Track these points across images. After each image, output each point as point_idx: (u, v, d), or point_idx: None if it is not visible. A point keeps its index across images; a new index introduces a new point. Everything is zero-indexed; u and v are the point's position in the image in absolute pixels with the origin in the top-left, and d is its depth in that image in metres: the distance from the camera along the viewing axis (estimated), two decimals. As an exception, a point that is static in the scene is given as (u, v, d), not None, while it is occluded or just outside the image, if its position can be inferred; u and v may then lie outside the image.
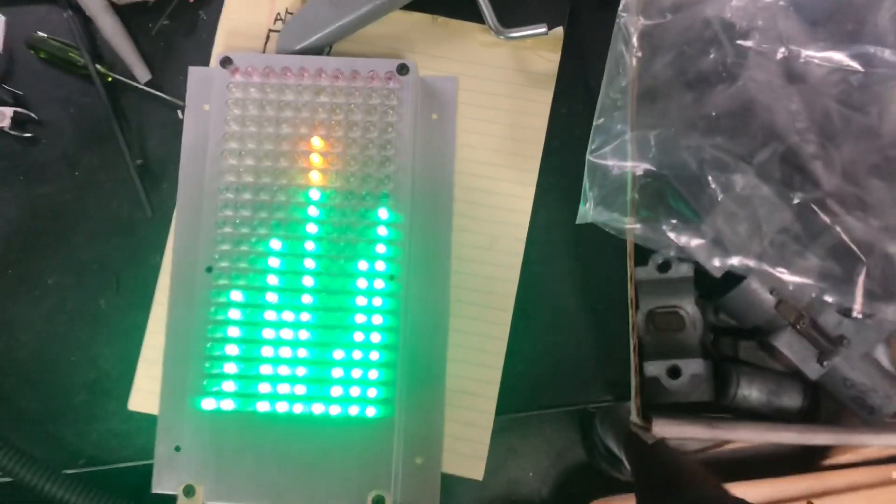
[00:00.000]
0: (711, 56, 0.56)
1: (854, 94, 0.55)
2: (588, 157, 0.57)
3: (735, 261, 0.56)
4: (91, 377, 0.75)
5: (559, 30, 0.75)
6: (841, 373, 0.63)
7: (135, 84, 0.78)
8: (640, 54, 0.57)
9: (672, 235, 0.57)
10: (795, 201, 0.54)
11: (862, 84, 0.56)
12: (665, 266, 0.65)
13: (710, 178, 0.54)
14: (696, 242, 0.57)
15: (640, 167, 0.56)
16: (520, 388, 0.74)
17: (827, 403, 0.68)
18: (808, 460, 1.52)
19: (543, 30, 0.72)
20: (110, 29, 0.77)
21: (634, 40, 0.57)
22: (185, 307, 0.72)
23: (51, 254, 0.76)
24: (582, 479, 1.57)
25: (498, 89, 0.77)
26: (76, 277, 0.76)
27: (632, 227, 0.57)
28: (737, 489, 0.91)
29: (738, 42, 0.55)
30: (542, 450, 1.60)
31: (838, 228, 0.54)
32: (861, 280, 0.54)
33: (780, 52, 0.56)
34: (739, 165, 0.55)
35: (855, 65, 0.57)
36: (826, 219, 0.54)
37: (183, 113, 0.76)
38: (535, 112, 0.76)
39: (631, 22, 0.57)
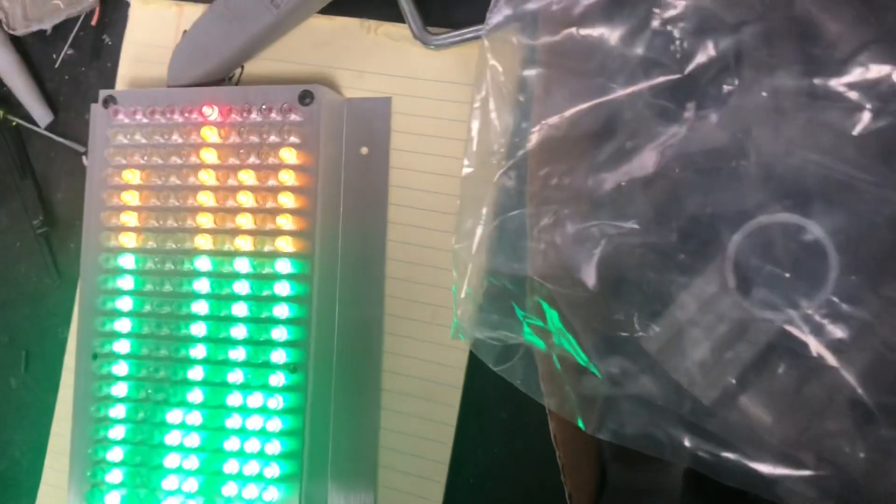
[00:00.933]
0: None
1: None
2: (454, 247, 0.39)
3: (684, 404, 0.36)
4: (1, 467, 0.66)
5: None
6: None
7: (36, 128, 0.67)
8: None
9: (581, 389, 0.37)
10: (753, 318, 0.33)
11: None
12: (625, 380, 0.45)
13: (623, 286, 0.34)
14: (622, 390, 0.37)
15: (527, 267, 0.37)
16: (469, 507, 0.57)
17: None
18: None
19: (483, 29, 0.53)
20: (4, 64, 0.66)
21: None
22: (77, 398, 0.61)
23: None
24: None
25: (440, 111, 0.58)
26: (-16, 351, 0.67)
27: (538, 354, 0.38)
28: None
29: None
30: None
31: (832, 366, 0.32)
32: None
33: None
34: (666, 267, 0.34)
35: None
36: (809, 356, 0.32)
37: (88, 158, 0.64)
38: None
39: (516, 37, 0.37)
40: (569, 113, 0.36)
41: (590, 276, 0.35)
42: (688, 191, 0.34)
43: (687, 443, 0.39)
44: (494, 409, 0.57)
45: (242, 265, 0.56)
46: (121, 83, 0.65)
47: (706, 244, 0.34)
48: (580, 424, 0.37)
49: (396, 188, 0.58)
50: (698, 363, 0.35)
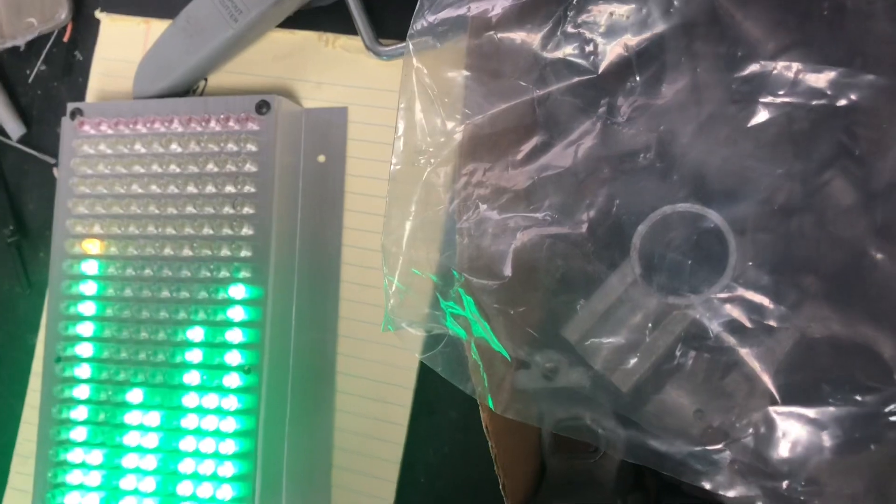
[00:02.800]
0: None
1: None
2: (383, 241, 0.40)
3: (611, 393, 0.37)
4: (-31, 472, 0.67)
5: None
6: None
7: (8, 141, 0.69)
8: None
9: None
10: (660, 307, 0.34)
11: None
12: (553, 371, 0.46)
13: (539, 276, 0.36)
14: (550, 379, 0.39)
15: (451, 261, 0.39)
16: (421, 506, 0.58)
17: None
18: None
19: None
20: (-22, 81, 0.68)
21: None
22: (43, 401, 0.62)
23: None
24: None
25: (393, 119, 0.60)
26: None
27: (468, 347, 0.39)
28: None
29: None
30: None
31: (741, 351, 0.34)
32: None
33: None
34: (578, 256, 0.36)
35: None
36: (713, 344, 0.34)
37: (58, 170, 0.66)
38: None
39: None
40: (490, 112, 0.38)
41: (505, 267, 0.37)
42: (597, 185, 0.36)
43: (604, 428, 0.40)
44: (445, 409, 0.58)
45: (200, 270, 0.58)
46: (91, 97, 0.67)
47: (614, 235, 0.36)
48: (490, 404, 0.38)
49: (352, 195, 0.60)
50: (614, 351, 0.36)
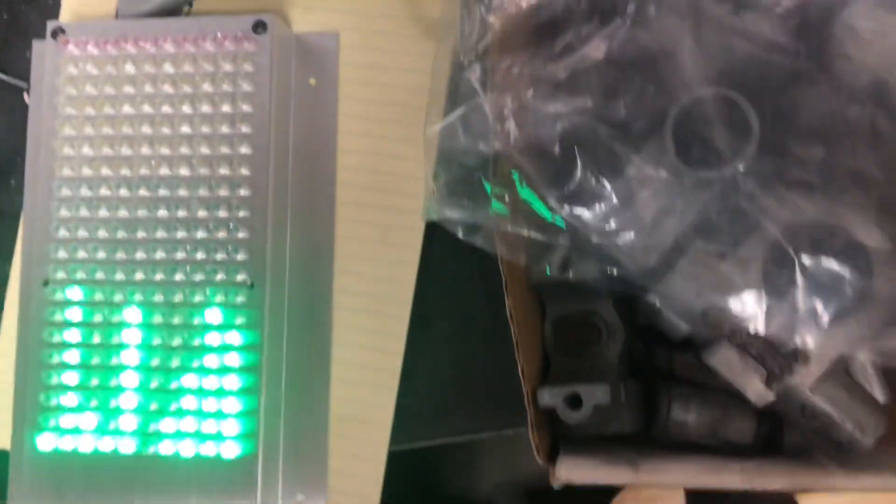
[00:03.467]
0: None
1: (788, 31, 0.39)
2: (426, 132, 0.43)
3: (629, 271, 0.41)
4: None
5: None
6: (797, 398, 0.48)
7: (-26, 65, 0.67)
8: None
9: (549, 236, 0.42)
10: (694, 182, 0.39)
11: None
12: (564, 266, 0.50)
13: (578, 157, 0.39)
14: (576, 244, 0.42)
15: (496, 145, 0.42)
16: (420, 412, 0.61)
17: (791, 433, 0.52)
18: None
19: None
20: (-60, 3, 0.66)
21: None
22: (25, 326, 0.61)
23: None
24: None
25: (387, 44, 0.62)
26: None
27: (496, 228, 0.42)
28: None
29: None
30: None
31: (760, 217, 0.38)
32: (798, 292, 0.38)
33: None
34: (616, 139, 0.39)
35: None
36: (743, 206, 0.38)
37: (30, 95, 0.65)
38: (429, 69, 0.61)
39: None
40: (526, 5, 0.41)
41: (553, 147, 0.40)
42: (633, 73, 0.40)
43: (606, 321, 0.44)
44: (440, 321, 0.61)
45: (198, 188, 0.58)
46: (66, 17, 0.66)
47: (650, 118, 0.39)
48: (547, 271, 0.42)
49: (346, 116, 0.62)
50: (643, 226, 0.40)
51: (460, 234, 0.43)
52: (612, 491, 0.81)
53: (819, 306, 0.40)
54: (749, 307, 0.40)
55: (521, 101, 0.40)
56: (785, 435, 0.52)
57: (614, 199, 0.40)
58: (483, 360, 0.60)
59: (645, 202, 0.40)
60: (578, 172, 0.40)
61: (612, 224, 0.40)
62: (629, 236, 0.41)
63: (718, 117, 0.38)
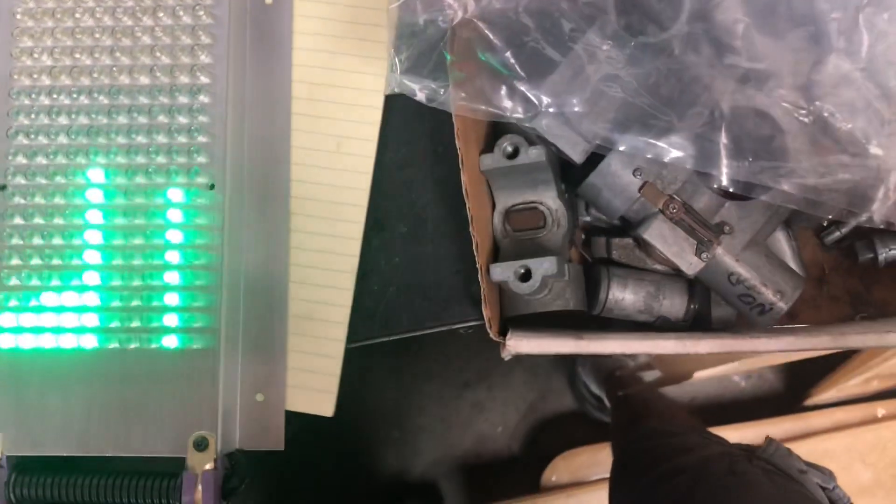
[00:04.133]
0: None
1: None
2: (389, 7, 0.46)
3: (578, 140, 0.45)
4: None
5: None
6: (725, 267, 0.53)
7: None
8: None
9: (502, 105, 0.46)
10: (633, 45, 0.43)
11: None
12: (514, 153, 0.54)
13: (531, 27, 0.43)
14: (532, 112, 0.46)
15: (455, 17, 0.45)
16: (375, 310, 0.64)
17: (719, 308, 0.58)
18: (789, 401, 1.43)
19: None
20: None
21: None
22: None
23: None
24: (553, 432, 1.48)
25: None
26: None
27: (455, 96, 0.46)
28: (715, 433, 0.82)
29: None
30: (511, 403, 1.51)
31: (692, 75, 0.43)
32: (721, 139, 0.43)
33: None
34: (567, 9, 0.44)
35: None
36: (677, 66, 0.43)
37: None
38: None
39: None
40: None
41: (511, 13, 0.44)
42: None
43: (549, 208, 0.48)
44: (394, 224, 0.64)
45: (158, 96, 0.61)
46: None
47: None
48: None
49: (302, 35, 0.65)
50: (591, 94, 0.45)
51: (423, 100, 0.46)
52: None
53: (736, 149, 0.44)
54: (675, 151, 0.44)
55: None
56: (712, 311, 0.57)
57: (567, 71, 0.44)
58: (434, 260, 0.63)
59: (592, 72, 0.44)
60: (534, 43, 0.44)
61: (564, 94, 0.45)
62: (578, 104, 0.45)
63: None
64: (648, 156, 0.45)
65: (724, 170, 0.43)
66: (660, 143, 0.44)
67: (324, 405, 0.62)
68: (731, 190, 0.45)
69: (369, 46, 0.65)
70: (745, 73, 0.44)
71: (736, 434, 1.28)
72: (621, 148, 0.46)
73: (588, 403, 1.38)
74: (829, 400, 1.40)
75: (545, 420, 1.51)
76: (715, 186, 0.50)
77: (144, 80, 0.61)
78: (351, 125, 0.64)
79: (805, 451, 1.29)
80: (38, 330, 0.59)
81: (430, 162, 0.65)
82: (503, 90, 0.45)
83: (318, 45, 0.65)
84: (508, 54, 0.44)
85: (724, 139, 0.43)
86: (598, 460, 1.39)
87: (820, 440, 1.36)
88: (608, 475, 1.31)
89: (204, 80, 0.61)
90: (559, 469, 1.41)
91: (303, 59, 0.65)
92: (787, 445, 1.26)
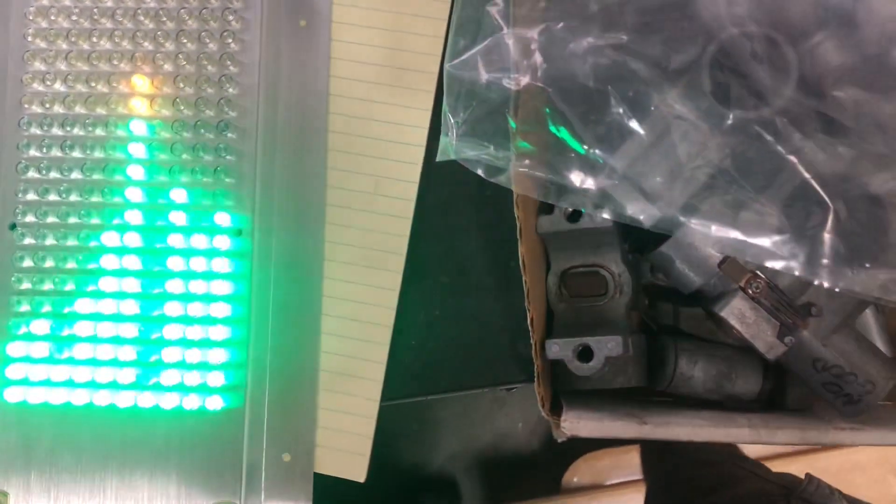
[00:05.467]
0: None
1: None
2: (447, 66, 0.41)
3: (654, 212, 0.39)
4: None
5: None
6: (809, 351, 0.47)
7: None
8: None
9: (571, 179, 0.40)
10: (729, 122, 0.37)
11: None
12: (576, 215, 0.49)
13: (610, 94, 0.38)
14: (604, 185, 0.40)
15: (522, 80, 0.39)
16: (412, 367, 0.59)
17: (795, 388, 0.52)
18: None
19: None
20: None
21: None
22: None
23: None
24: (575, 430, 1.44)
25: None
26: None
27: (516, 166, 0.40)
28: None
29: None
30: (532, 399, 1.47)
31: (794, 160, 0.37)
32: (827, 236, 0.38)
33: None
34: (653, 75, 0.38)
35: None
36: (779, 148, 0.37)
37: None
38: (432, 13, 0.59)
39: None
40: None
41: (586, 80, 0.38)
42: (670, 8, 0.38)
43: (613, 273, 0.43)
44: (436, 273, 0.59)
45: (183, 131, 0.55)
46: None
47: (685, 56, 0.38)
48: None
49: (338, 60, 0.59)
50: (673, 166, 0.39)
51: (482, 173, 0.41)
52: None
53: (842, 250, 0.39)
54: (772, 250, 0.39)
55: (550, 34, 0.38)
56: (788, 391, 0.51)
57: (645, 138, 0.38)
58: (476, 315, 0.58)
59: (676, 142, 0.38)
60: (611, 109, 0.38)
61: (641, 164, 0.39)
62: (657, 177, 0.39)
63: (755, 56, 0.37)
64: (748, 259, 0.39)
65: (834, 279, 0.38)
66: (758, 244, 0.38)
67: (355, 469, 0.57)
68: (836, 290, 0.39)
69: (413, 77, 0.59)
70: (859, 156, 0.38)
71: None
72: (709, 248, 0.40)
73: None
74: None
75: (568, 418, 1.46)
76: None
77: (166, 112, 0.56)
78: (390, 164, 0.59)
79: (835, 463, 1.25)
80: (48, 384, 0.55)
81: (477, 206, 0.59)
82: (574, 163, 0.39)
83: (357, 74, 0.59)
84: (585, 129, 0.38)
85: (833, 239, 0.37)
86: (621, 464, 1.35)
87: (851, 452, 1.31)
88: (630, 479, 1.28)
89: (231, 113, 0.56)
90: (581, 471, 1.37)
91: (340, 88, 0.59)
92: (817, 455, 1.22)
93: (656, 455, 1.05)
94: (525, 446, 1.47)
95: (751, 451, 1.03)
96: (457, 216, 0.59)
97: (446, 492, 1.42)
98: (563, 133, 0.38)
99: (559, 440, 0.49)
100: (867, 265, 0.39)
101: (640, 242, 0.51)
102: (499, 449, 1.46)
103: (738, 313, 0.47)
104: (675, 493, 0.83)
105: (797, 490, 0.58)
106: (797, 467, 0.73)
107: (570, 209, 0.48)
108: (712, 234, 0.41)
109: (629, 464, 1.30)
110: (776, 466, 0.74)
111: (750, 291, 0.46)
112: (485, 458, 1.45)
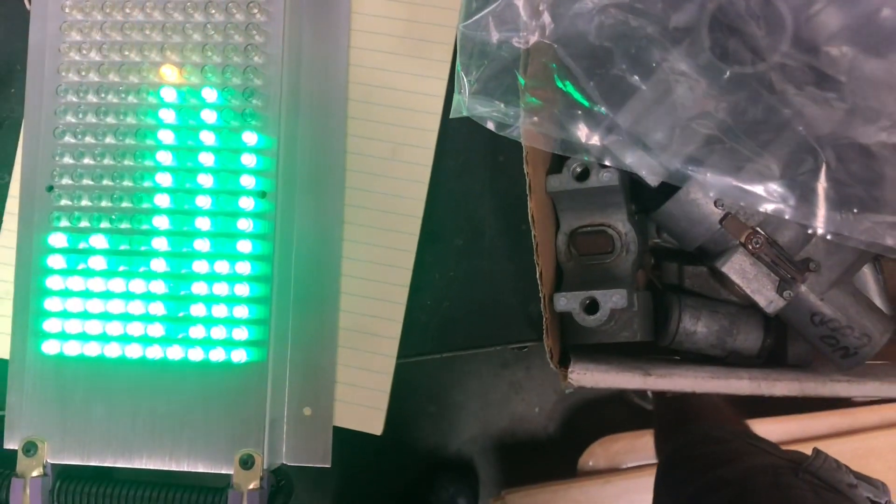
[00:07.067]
0: None
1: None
2: (460, 26, 0.43)
3: (659, 165, 0.41)
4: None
5: None
6: (808, 306, 0.49)
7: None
8: None
9: (577, 133, 0.42)
10: (727, 76, 0.39)
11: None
12: (584, 174, 0.51)
13: (614, 52, 0.40)
14: (609, 140, 0.43)
15: (531, 38, 0.42)
16: (428, 325, 0.61)
17: (795, 345, 0.54)
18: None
19: None
20: None
21: None
22: (27, 234, 0.60)
23: None
24: (590, 414, 1.46)
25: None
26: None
27: (525, 122, 0.43)
28: (759, 426, 0.79)
29: None
30: (549, 384, 1.49)
31: (788, 112, 0.39)
32: (821, 186, 0.39)
33: None
34: (653, 33, 0.40)
35: None
36: (774, 101, 0.39)
37: (31, 1, 0.63)
38: None
39: None
40: None
41: (593, 38, 0.40)
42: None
43: (619, 232, 0.45)
44: (450, 236, 0.61)
45: (206, 98, 0.58)
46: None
47: (686, 14, 0.40)
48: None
49: (358, 32, 0.62)
50: (675, 123, 0.41)
51: (493, 128, 0.43)
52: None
53: (832, 196, 0.41)
54: (766, 196, 0.41)
55: (560, -7, 0.40)
56: (788, 348, 0.53)
57: (649, 95, 0.40)
58: (490, 276, 0.61)
59: (678, 98, 0.40)
60: (616, 66, 0.40)
61: (645, 120, 0.41)
62: (660, 132, 0.41)
63: (751, 13, 0.39)
64: (742, 203, 0.41)
65: (826, 224, 0.40)
66: (755, 190, 0.40)
67: (373, 422, 0.60)
68: (829, 238, 0.41)
69: (430, 48, 0.61)
70: (851, 110, 0.40)
71: (780, 427, 1.24)
72: (710, 194, 0.42)
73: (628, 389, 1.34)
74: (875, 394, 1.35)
75: (583, 403, 1.48)
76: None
77: (195, 80, 0.59)
78: (408, 131, 0.61)
79: (850, 448, 1.25)
80: (83, 337, 0.58)
81: (490, 171, 0.61)
82: (580, 118, 0.41)
83: (376, 45, 0.62)
84: (590, 84, 0.40)
85: (826, 187, 0.39)
86: (636, 447, 1.36)
87: (866, 437, 1.32)
88: (646, 462, 1.29)
89: (257, 81, 0.58)
90: (596, 454, 1.38)
91: (359, 58, 0.62)
92: (832, 441, 1.23)
93: (668, 432, 1.07)
94: (541, 431, 1.50)
95: (763, 433, 1.04)
96: (471, 181, 0.61)
97: (464, 473, 1.44)
98: (570, 87, 0.40)
99: (566, 391, 0.51)
100: (855, 210, 0.41)
101: (646, 203, 0.53)
102: (516, 433, 1.48)
103: (739, 268, 0.49)
104: (684, 467, 0.85)
105: (804, 463, 0.60)
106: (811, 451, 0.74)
107: (579, 169, 0.50)
108: (710, 181, 0.43)
109: (644, 447, 1.32)
110: (790, 450, 0.75)
111: (750, 247, 0.48)
112: (502, 441, 1.47)
